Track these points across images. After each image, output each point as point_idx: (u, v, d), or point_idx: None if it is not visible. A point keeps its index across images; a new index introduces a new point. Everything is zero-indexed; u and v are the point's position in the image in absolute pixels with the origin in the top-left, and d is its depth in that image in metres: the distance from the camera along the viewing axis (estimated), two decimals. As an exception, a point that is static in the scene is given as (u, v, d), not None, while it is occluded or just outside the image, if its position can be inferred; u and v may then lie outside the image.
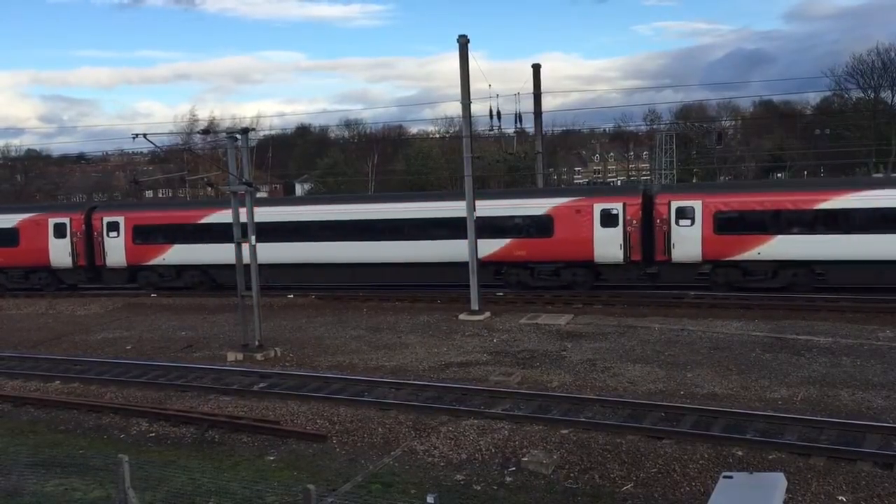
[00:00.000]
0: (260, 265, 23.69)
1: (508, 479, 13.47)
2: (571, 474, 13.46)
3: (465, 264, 27.40)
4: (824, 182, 41.36)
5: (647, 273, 29.57)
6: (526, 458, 13.97)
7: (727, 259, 27.98)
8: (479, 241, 27.76)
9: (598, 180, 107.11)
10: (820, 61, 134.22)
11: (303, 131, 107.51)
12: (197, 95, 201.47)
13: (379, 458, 14.57)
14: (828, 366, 18.96)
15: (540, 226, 29.74)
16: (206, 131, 37.94)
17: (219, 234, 31.30)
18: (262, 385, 19.44)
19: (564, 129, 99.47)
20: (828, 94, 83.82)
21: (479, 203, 28.11)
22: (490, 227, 29.22)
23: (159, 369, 21.41)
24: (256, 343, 22.74)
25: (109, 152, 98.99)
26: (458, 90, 27.38)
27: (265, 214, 29.99)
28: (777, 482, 8.16)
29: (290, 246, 31.83)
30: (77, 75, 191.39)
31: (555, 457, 13.95)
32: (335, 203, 34.99)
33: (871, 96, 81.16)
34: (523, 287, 30.35)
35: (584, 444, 14.36)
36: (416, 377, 19.59)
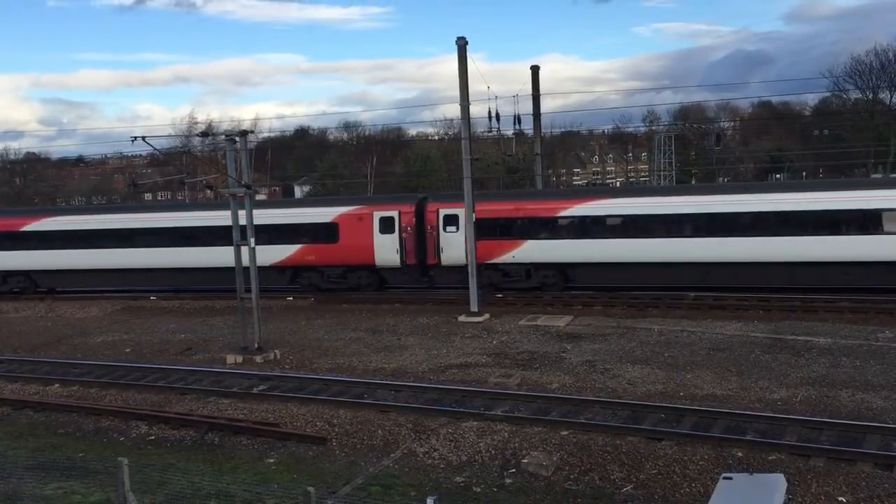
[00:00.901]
0: None
1: (508, 480, 13.47)
2: (571, 476, 13.45)
3: (222, 269, 28.74)
4: (567, 192, 44.79)
5: (424, 275, 31.85)
6: (526, 460, 13.97)
7: (488, 262, 29.67)
8: (276, 247, 30.86)
9: (597, 182, 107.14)
10: (819, 62, 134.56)
11: (302, 133, 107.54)
12: (197, 98, 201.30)
13: (379, 460, 14.56)
14: (827, 366, 18.96)
15: (327, 232, 31.82)
16: (204, 134, 38.02)
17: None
18: (261, 387, 19.43)
19: (563, 130, 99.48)
20: (826, 94, 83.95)
21: (275, 211, 32.49)
22: (285, 233, 31.80)
23: (159, 372, 21.39)
24: (256, 345, 22.73)
25: (108, 155, 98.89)
26: (457, 92, 27.42)
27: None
28: (777, 483, 8.17)
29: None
30: (77, 78, 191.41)
31: (555, 458, 13.95)
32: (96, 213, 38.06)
33: (870, 97, 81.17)
34: (316, 289, 32.32)
35: (584, 446, 14.35)
36: (415, 379, 19.59)
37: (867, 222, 26.32)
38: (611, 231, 29.02)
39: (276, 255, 31.35)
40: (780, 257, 26.89)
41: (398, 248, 30.93)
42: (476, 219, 27.88)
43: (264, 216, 30.10)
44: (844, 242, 26.39)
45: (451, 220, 30.45)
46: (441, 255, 30.64)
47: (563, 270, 29.99)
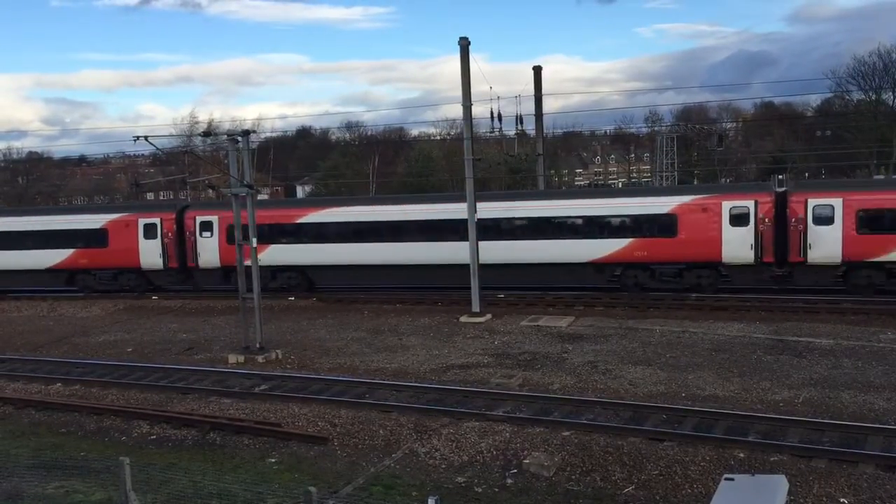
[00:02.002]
0: None
1: (510, 481, 13.47)
2: (573, 476, 13.45)
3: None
4: (303, 201, 48.27)
5: (186, 278, 34.36)
6: (527, 461, 13.96)
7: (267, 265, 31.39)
8: (52, 251, 33.75)
9: (599, 182, 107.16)
10: (822, 63, 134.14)
11: (304, 133, 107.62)
12: (199, 98, 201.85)
13: (380, 460, 14.56)
14: (829, 368, 18.95)
15: (98, 238, 34.16)
16: (206, 133, 37.95)
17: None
18: (263, 387, 19.44)
19: (566, 130, 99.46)
20: (829, 95, 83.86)
21: (51, 217, 35.48)
22: (60, 238, 34.00)
23: (160, 372, 21.41)
24: (258, 345, 22.74)
25: (111, 155, 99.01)
26: (459, 92, 27.44)
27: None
28: (779, 484, 8.16)
29: None
30: (80, 78, 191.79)
31: (556, 459, 13.94)
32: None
33: (873, 98, 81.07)
34: (91, 290, 34.81)
35: (586, 447, 14.35)
36: (417, 379, 19.60)
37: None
38: (343, 237, 31.62)
39: (53, 259, 34.69)
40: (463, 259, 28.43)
41: (161, 252, 33.69)
42: (227, 224, 30.94)
43: (40, 223, 34.96)
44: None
45: (207, 227, 33.24)
46: (198, 258, 33.37)
47: (304, 272, 32.68)
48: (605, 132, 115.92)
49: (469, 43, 27.18)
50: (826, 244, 26.71)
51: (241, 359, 22.34)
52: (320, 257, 32.11)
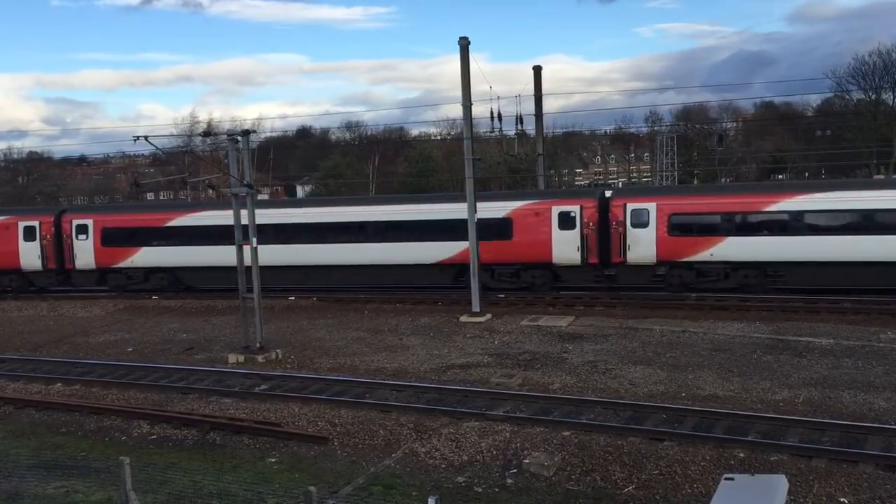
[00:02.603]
0: None
1: (510, 481, 13.47)
2: (573, 476, 13.45)
3: None
4: (172, 204, 48.84)
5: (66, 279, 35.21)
6: (527, 460, 13.96)
7: (112, 266, 34.30)
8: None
9: (599, 182, 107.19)
10: (822, 63, 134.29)
11: (304, 133, 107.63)
12: (200, 98, 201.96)
13: (380, 459, 14.57)
14: (829, 367, 18.95)
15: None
16: (206, 133, 37.91)
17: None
18: (263, 387, 19.44)
19: (566, 130, 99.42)
20: (829, 95, 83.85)
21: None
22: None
23: (160, 371, 21.41)
24: (258, 345, 22.75)
25: (111, 154, 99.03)
26: (460, 92, 27.43)
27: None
28: (779, 484, 8.16)
29: None
30: (80, 78, 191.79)
31: (556, 459, 13.94)
32: None
33: (873, 98, 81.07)
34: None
35: (586, 446, 14.35)
36: (417, 379, 19.60)
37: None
38: (206, 239, 32.31)
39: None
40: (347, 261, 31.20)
41: (40, 254, 35.01)
42: (101, 227, 33.21)
43: None
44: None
45: (83, 230, 34.43)
46: (75, 260, 34.52)
47: (174, 273, 34.17)
48: (606, 132, 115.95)
49: (469, 43, 27.20)
50: (643, 246, 28.53)
51: (241, 358, 22.35)
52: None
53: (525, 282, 30.32)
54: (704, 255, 27.87)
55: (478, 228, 27.96)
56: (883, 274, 26.25)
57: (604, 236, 28.99)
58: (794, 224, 27.15)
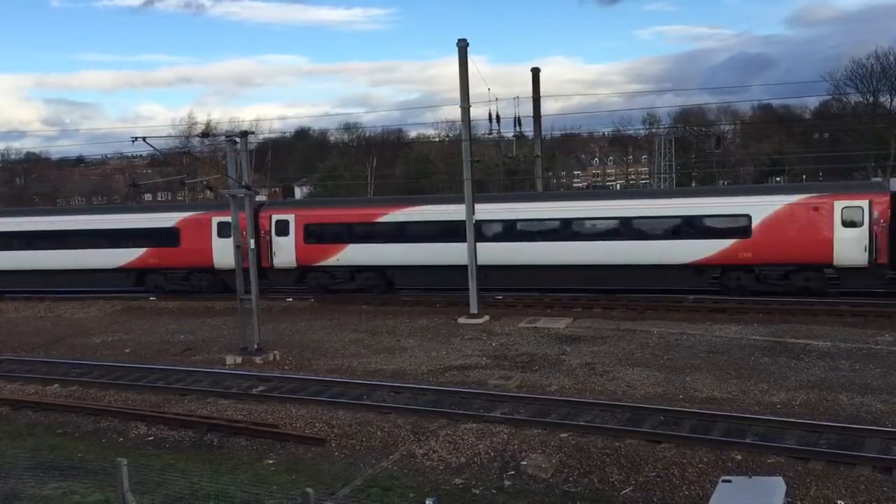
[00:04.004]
0: None
1: (507, 482, 13.47)
2: (570, 478, 13.45)
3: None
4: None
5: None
6: (525, 462, 13.97)
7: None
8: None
9: (598, 184, 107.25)
10: (821, 66, 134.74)
11: (302, 135, 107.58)
12: (199, 99, 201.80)
13: (378, 461, 14.56)
14: (827, 370, 18.96)
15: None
16: (205, 134, 37.93)
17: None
18: (260, 388, 19.42)
19: (564, 132, 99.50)
20: (827, 98, 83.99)
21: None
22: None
23: (158, 372, 21.38)
24: (255, 346, 22.72)
25: (108, 155, 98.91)
26: (459, 94, 27.43)
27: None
28: (776, 486, 8.18)
29: None
30: (80, 79, 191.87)
31: (554, 461, 13.95)
32: None
33: (870, 100, 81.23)
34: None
35: (583, 448, 14.35)
36: (414, 381, 19.59)
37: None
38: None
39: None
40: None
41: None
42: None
43: None
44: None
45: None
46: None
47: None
48: (604, 134, 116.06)
49: (468, 44, 27.21)
50: (285, 252, 32.33)
51: (239, 360, 22.33)
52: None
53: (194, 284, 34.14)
54: (332, 260, 31.97)
55: (151, 235, 33.38)
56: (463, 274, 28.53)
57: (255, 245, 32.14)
58: (398, 233, 31.37)
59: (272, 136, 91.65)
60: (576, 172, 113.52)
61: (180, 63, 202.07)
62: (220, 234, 32.49)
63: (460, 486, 13.37)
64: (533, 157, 39.76)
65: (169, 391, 19.69)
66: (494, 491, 13.18)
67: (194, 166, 73.41)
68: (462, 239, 27.87)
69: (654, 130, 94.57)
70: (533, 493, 12.99)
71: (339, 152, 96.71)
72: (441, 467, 14.16)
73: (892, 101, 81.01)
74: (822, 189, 29.19)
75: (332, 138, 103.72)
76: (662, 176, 76.80)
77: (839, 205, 26.82)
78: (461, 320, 26.74)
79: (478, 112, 31.26)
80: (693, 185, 77.75)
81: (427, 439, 15.26)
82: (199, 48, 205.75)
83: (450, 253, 29.19)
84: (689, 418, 15.57)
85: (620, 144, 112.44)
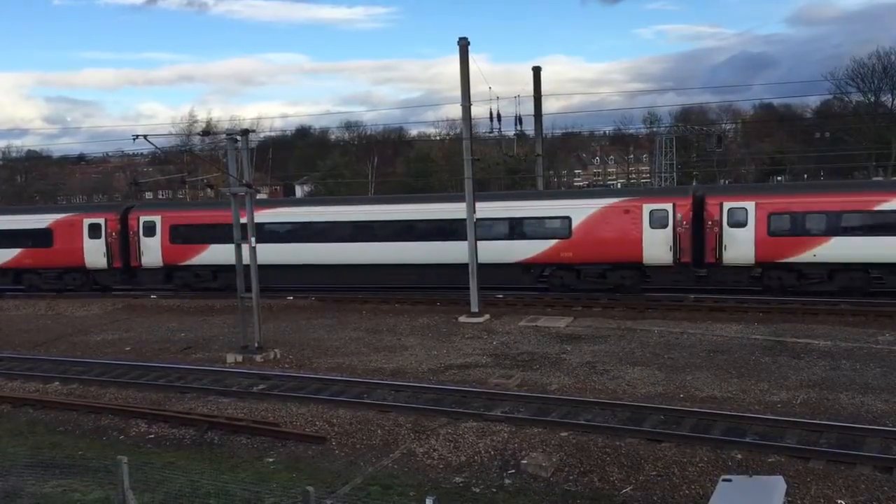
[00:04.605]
0: None
1: (508, 481, 13.47)
2: (571, 477, 13.45)
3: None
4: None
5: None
6: (525, 461, 13.97)
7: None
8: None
9: (599, 183, 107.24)
10: (823, 65, 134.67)
11: (303, 133, 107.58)
12: (201, 97, 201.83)
13: (378, 460, 14.56)
14: (827, 369, 18.96)
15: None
16: (205, 132, 37.89)
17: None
18: (261, 387, 19.43)
19: (565, 131, 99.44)
20: (828, 97, 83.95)
21: None
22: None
23: (158, 371, 21.40)
24: (256, 345, 22.73)
25: (110, 153, 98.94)
26: (460, 92, 27.41)
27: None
28: (776, 485, 8.17)
29: None
30: (81, 77, 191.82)
31: (554, 459, 13.95)
32: None
33: (872, 100, 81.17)
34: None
35: (584, 447, 14.35)
36: (415, 379, 19.59)
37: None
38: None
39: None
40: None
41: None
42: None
43: None
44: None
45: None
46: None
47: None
48: (605, 133, 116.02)
49: (468, 43, 27.19)
50: (152, 252, 34.00)
51: (240, 358, 22.33)
52: None
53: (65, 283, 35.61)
54: (196, 260, 33.60)
55: (27, 236, 34.82)
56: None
57: (124, 245, 34.44)
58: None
59: (273, 134, 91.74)
60: (576, 171, 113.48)
61: (182, 61, 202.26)
62: (91, 236, 34.42)
63: (461, 484, 13.38)
64: (534, 155, 39.76)
65: (169, 389, 19.69)
66: (495, 490, 13.18)
67: (195, 164, 73.43)
68: (314, 240, 30.37)
69: (654, 129, 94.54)
70: (533, 492, 12.99)
71: (340, 151, 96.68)
72: (441, 466, 14.16)
73: (893, 100, 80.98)
74: (633, 193, 31.97)
75: (333, 137, 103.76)
76: (663, 175, 76.81)
77: (647, 208, 28.80)
78: (462, 319, 26.74)
79: (479, 111, 31.32)
80: (694, 183, 77.75)
81: (427, 438, 15.26)
82: (200, 46, 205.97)
83: (301, 252, 31.26)
84: (690, 417, 15.57)
85: (621, 143, 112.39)
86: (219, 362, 22.30)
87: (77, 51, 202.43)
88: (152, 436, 16.65)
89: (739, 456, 13.65)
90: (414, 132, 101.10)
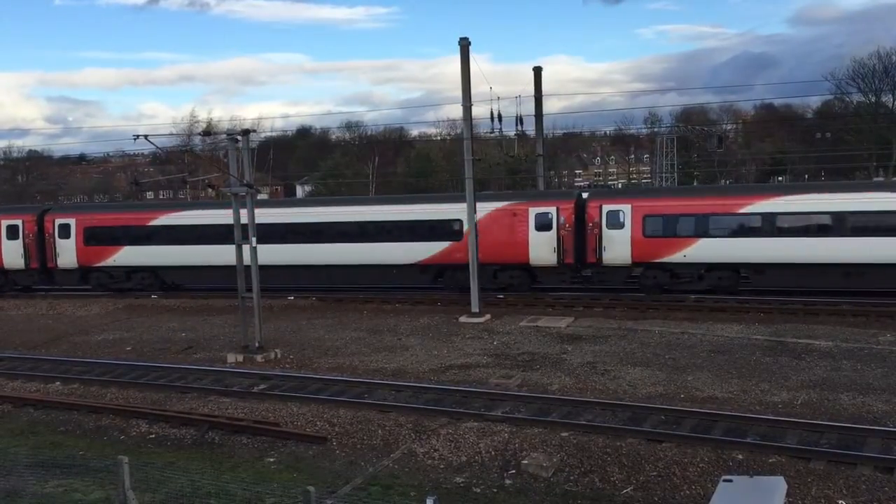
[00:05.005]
0: None
1: (508, 481, 13.47)
2: (571, 477, 13.45)
3: None
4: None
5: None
6: (526, 461, 13.97)
7: None
8: None
9: (599, 183, 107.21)
10: (824, 65, 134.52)
11: (304, 133, 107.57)
12: (202, 97, 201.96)
13: (379, 460, 14.56)
14: (828, 369, 18.95)
15: None
16: (206, 132, 37.89)
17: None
18: (262, 387, 19.43)
19: (566, 131, 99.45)
20: (829, 97, 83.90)
21: None
22: None
23: (159, 371, 21.39)
24: (257, 345, 22.73)
25: (110, 153, 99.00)
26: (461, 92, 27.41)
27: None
28: (777, 486, 8.16)
29: None
30: (82, 76, 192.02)
31: (555, 460, 13.94)
32: None
33: (872, 100, 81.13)
34: None
35: (584, 447, 14.35)
36: (416, 379, 19.59)
37: None
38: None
39: None
40: None
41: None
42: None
43: None
44: None
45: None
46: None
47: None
48: (606, 133, 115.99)
49: (469, 43, 27.20)
50: (68, 253, 34.71)
51: (240, 358, 22.34)
52: None
53: None
54: (110, 261, 34.38)
55: None
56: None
57: (41, 246, 35.19)
58: (167, 236, 33.88)
59: (274, 134, 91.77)
60: (577, 171, 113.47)
61: (183, 61, 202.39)
62: (9, 237, 35.18)
63: (461, 484, 13.38)
64: (534, 156, 39.76)
65: (170, 389, 19.69)
66: (495, 490, 13.18)
67: (196, 164, 73.44)
68: (218, 241, 30.99)
69: (655, 130, 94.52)
70: (534, 492, 12.99)
71: (340, 151, 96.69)
72: (442, 466, 14.16)
73: (894, 100, 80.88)
74: (520, 197, 32.93)
75: (333, 137, 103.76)
76: (664, 175, 76.80)
77: (533, 211, 29.91)
78: (462, 319, 26.74)
79: (480, 111, 31.39)
80: (695, 183, 77.72)
81: (428, 438, 15.26)
82: (201, 46, 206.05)
83: (210, 254, 31.98)
84: (691, 418, 15.57)
85: (622, 143, 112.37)
86: (219, 362, 22.30)
87: (78, 51, 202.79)
88: (153, 436, 16.66)
89: (740, 456, 13.65)
90: (415, 132, 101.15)
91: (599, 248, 29.02)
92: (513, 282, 30.54)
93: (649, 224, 28.78)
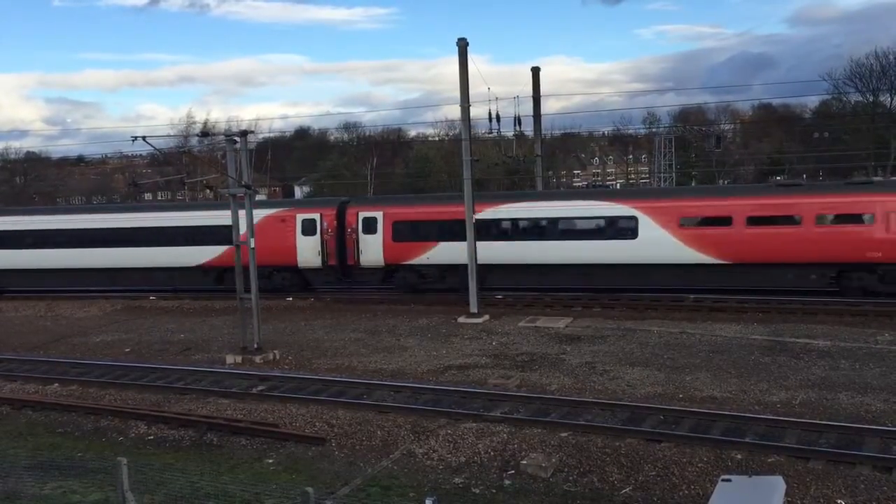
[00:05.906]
0: None
1: (507, 482, 13.47)
2: (570, 477, 13.45)
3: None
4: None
5: None
6: (525, 462, 13.97)
7: None
8: None
9: (599, 183, 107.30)
10: (823, 65, 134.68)
11: (302, 134, 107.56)
12: (201, 98, 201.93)
13: (377, 460, 14.56)
14: (826, 369, 18.97)
15: None
16: (205, 133, 37.92)
17: None
18: (260, 388, 19.41)
19: (564, 131, 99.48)
20: (827, 97, 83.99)
21: None
22: None
23: (158, 372, 21.38)
24: (255, 346, 22.72)
25: (109, 155, 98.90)
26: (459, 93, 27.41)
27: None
28: (776, 485, 8.17)
29: None
30: (82, 78, 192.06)
31: (553, 460, 13.94)
32: None
33: (870, 100, 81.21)
34: None
35: (583, 448, 14.35)
36: (414, 380, 19.58)
37: None
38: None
39: None
40: None
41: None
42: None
43: None
44: None
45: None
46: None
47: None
48: (604, 133, 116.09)
49: (467, 44, 27.20)
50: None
51: (239, 359, 22.33)
52: None
53: None
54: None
55: None
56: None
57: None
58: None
59: (272, 135, 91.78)
60: (576, 172, 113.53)
61: (182, 62, 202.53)
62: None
63: (460, 485, 13.37)
64: (533, 156, 39.78)
65: (169, 390, 19.68)
66: (494, 490, 13.18)
67: (194, 165, 73.37)
68: (69, 245, 33.93)
69: (654, 130, 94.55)
70: (533, 493, 12.99)
71: (339, 152, 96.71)
72: (441, 467, 14.16)
73: (891, 100, 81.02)
74: (289, 205, 36.12)
75: (332, 138, 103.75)
76: (663, 175, 76.79)
77: (299, 217, 32.70)
78: (461, 320, 26.74)
79: (478, 111, 31.47)
80: (693, 184, 77.71)
81: (427, 439, 15.26)
82: (201, 47, 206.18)
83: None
84: (689, 418, 15.57)
85: (621, 144, 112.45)
86: (218, 363, 22.29)
87: (78, 52, 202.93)
88: (152, 437, 16.64)
89: (739, 456, 13.65)
90: (413, 133, 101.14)
91: (357, 251, 31.86)
92: (284, 283, 33.09)
93: (398, 230, 31.55)
